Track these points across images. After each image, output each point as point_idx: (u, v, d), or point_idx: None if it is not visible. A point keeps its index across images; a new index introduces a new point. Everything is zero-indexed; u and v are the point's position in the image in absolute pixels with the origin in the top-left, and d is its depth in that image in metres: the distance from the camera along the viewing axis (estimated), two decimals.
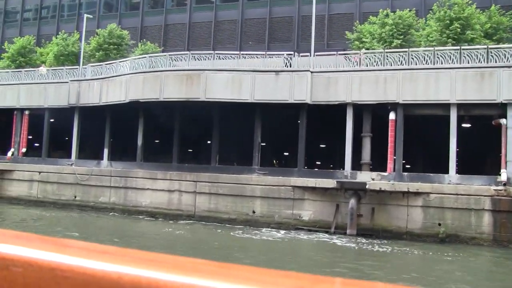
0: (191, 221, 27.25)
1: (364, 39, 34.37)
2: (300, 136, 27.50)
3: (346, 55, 28.05)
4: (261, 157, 28.55)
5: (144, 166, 30.18)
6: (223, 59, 28.44)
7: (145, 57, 29.90)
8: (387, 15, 32.63)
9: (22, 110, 34.31)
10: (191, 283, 0.51)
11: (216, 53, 28.37)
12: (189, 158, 32.25)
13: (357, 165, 26.90)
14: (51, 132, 34.36)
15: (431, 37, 30.25)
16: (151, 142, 34.18)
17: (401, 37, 32.25)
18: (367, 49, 32.12)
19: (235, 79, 27.48)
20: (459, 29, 29.31)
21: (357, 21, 36.39)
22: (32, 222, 25.84)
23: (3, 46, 42.29)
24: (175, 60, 29.11)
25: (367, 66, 26.94)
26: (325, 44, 38.95)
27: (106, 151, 31.52)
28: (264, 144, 30.29)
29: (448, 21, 29.81)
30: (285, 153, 41.62)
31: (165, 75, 28.27)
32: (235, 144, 31.68)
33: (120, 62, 31.19)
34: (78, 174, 30.29)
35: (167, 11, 44.46)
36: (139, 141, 30.61)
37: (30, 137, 36.38)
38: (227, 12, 42.07)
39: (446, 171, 24.46)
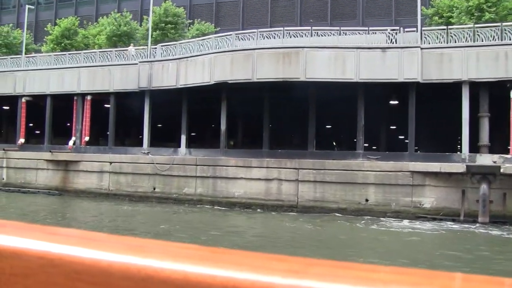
0: (294, 212, 25.14)
1: (444, 14, 32.46)
2: (409, 117, 25.58)
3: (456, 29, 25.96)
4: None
5: (229, 153, 27.99)
6: (321, 35, 26.20)
7: (230, 34, 27.45)
8: None
9: (83, 95, 31.62)
10: (181, 269, 0.52)
11: (314, 29, 26.11)
12: (277, 143, 29.94)
13: (472, 148, 25.06)
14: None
15: None
16: (232, 127, 31.74)
17: (493, 9, 30.30)
18: (452, 24, 30.23)
19: (338, 57, 25.37)
20: None
21: None
22: (113, 217, 23.56)
23: (45, 29, 39.18)
24: (267, 37, 26.73)
25: (482, 41, 24.95)
26: (393, 21, 36.87)
27: (183, 137, 29.20)
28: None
29: None
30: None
31: (258, 53, 26.01)
32: (330, 127, 29.62)
33: (198, 40, 28.71)
34: (157, 163, 27.87)
35: None
36: (222, 126, 28.34)
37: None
38: None
39: None
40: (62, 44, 37.33)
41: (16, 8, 47.30)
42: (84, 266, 0.58)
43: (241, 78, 26.41)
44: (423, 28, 26.15)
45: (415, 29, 26.43)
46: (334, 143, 39.35)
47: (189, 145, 29.41)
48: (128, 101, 30.80)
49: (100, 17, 38.86)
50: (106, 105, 33.22)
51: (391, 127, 35.99)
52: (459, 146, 35.50)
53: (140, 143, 36.26)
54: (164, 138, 36.26)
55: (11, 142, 35.72)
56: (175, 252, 0.68)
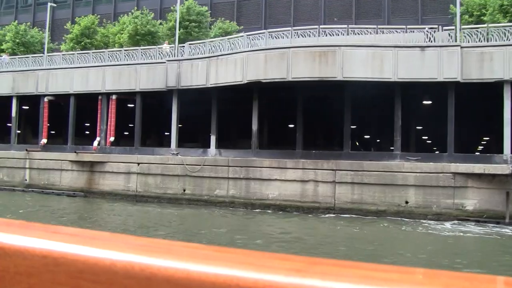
0: (331, 214, 24.63)
1: (474, 12, 32.02)
2: (449, 117, 25.11)
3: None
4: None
5: (261, 154, 27.41)
6: (358, 34, 25.67)
7: (263, 32, 26.92)
8: None
9: (108, 94, 31.02)
10: (184, 268, 0.53)
11: (351, 28, 25.63)
12: (310, 144, 29.37)
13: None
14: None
15: None
16: (264, 127, 31.12)
17: None
18: (484, 22, 29.79)
19: (376, 56, 24.88)
20: None
21: None
22: (145, 220, 23.10)
23: (65, 27, 38.54)
24: (301, 35, 26.20)
25: None
26: (418, 20, 36.39)
27: (213, 138, 28.66)
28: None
29: None
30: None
31: (293, 52, 25.49)
32: (366, 128, 29.08)
33: (229, 38, 28.17)
34: (187, 164, 27.31)
35: None
36: (254, 127, 27.81)
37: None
38: None
39: None
40: (82, 43, 36.73)
41: (33, 7, 46.66)
42: (87, 265, 0.58)
43: (276, 77, 25.88)
44: (462, 27, 25.63)
45: (453, 27, 25.93)
46: (357, 143, 38.88)
47: (218, 145, 28.78)
48: (153, 101, 30.24)
49: (119, 16, 38.23)
50: (129, 105, 32.69)
51: (417, 127, 35.53)
52: (480, 147, 34.95)
53: (160, 143, 35.83)
54: (186, 138, 35.74)
55: (29, 143, 35.17)
56: (178, 251, 0.68)
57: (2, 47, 38.32)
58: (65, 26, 38.73)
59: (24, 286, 0.62)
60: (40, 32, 40.45)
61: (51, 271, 0.62)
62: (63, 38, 38.52)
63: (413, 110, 29.92)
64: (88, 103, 32.03)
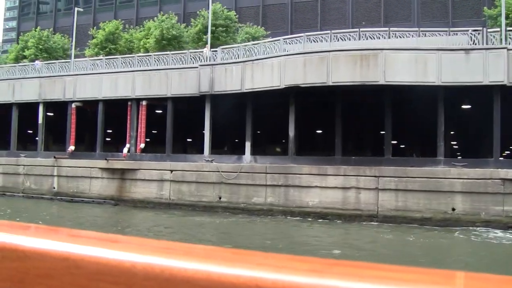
0: (374, 222, 24.01)
1: (511, 15, 31.52)
2: (494, 121, 24.52)
3: None
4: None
5: (298, 160, 26.86)
6: (400, 37, 25.12)
7: (301, 36, 26.39)
8: None
9: (138, 100, 30.48)
10: (204, 269, 0.54)
11: (392, 30, 25.08)
12: (348, 150, 28.74)
13: None
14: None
15: None
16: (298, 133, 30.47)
17: None
18: None
19: (419, 59, 24.31)
20: None
21: None
22: (185, 229, 22.55)
23: (89, 32, 38.10)
24: (341, 39, 25.67)
25: None
26: (449, 22, 35.86)
27: (248, 144, 28.14)
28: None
29: None
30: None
31: (333, 56, 24.94)
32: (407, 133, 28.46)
33: (265, 43, 27.66)
34: (222, 172, 26.71)
35: None
36: (291, 132, 27.27)
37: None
38: None
39: None
40: (107, 49, 36.29)
41: (53, 13, 46.28)
42: (107, 267, 0.59)
43: (315, 82, 25.37)
44: (508, 29, 25.08)
45: (498, 29, 25.39)
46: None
47: (253, 152, 28.22)
48: (183, 106, 29.73)
49: (142, 21, 37.82)
50: (157, 111, 32.16)
51: (451, 132, 34.89)
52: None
53: (184, 150, 35.29)
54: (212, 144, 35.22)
55: (51, 150, 34.67)
56: (198, 253, 0.68)
57: (24, 54, 37.87)
58: (89, 32, 38.26)
59: None
60: (62, 38, 39.98)
61: (71, 273, 0.62)
62: (87, 43, 38.06)
63: (449, 115, 29.34)
64: (115, 109, 31.45)
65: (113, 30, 36.66)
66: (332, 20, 37.85)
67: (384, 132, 26.57)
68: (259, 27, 36.75)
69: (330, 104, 27.22)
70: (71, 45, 35.94)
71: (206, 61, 29.12)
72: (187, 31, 35.11)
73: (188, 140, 39.80)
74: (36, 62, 34.49)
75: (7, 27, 74.94)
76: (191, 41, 34.40)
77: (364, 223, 24.09)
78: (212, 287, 0.54)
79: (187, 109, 30.03)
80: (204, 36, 33.65)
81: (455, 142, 40.33)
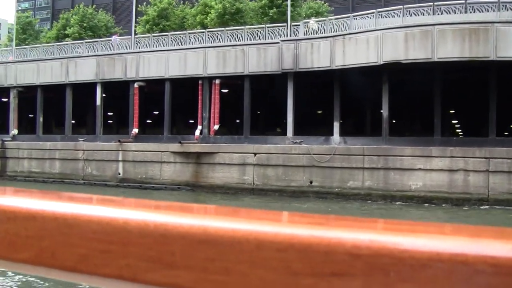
0: (485, 206, 22.90)
1: None
2: None
3: None
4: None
5: (393, 141, 25.59)
6: (510, 9, 23.78)
7: (399, 8, 24.92)
8: None
9: (210, 78, 28.82)
10: (201, 224, 0.54)
11: (503, 2, 23.67)
12: (447, 131, 27.48)
13: None
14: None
15: None
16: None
17: None
18: None
19: None
20: None
21: None
22: None
23: (139, 9, 35.99)
24: (445, 12, 24.25)
25: None
26: None
27: (336, 125, 26.78)
28: None
29: None
30: None
31: (438, 30, 23.53)
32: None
33: (355, 15, 26.14)
34: (314, 154, 25.30)
35: None
36: (385, 112, 26.04)
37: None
38: None
39: None
40: (160, 26, 34.37)
41: None
42: (100, 226, 0.58)
43: (419, 58, 24.05)
44: None
45: None
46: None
47: (341, 133, 26.85)
48: (261, 85, 28.19)
49: None
50: (222, 90, 30.49)
51: None
52: None
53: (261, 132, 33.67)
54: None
55: (114, 133, 33.00)
56: (194, 209, 0.69)
57: (66, 32, 35.82)
58: (138, 8, 36.13)
59: (36, 250, 0.62)
60: (106, 15, 37.93)
61: (63, 233, 0.60)
62: (137, 20, 36.05)
63: None
64: (182, 89, 29.77)
65: (166, 6, 34.69)
66: None
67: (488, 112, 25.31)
68: (322, 2, 35.06)
69: (428, 82, 25.86)
70: (131, 21, 33.96)
71: (312, 34, 27.21)
72: (253, 4, 33.30)
73: (266, 121, 37.71)
74: (114, 37, 32.45)
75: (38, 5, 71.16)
76: (256, 16, 32.64)
77: (473, 207, 22.98)
78: (209, 241, 0.52)
79: (264, 88, 28.49)
80: (270, 11, 31.95)
81: None
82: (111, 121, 38.89)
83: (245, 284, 0.50)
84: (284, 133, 27.97)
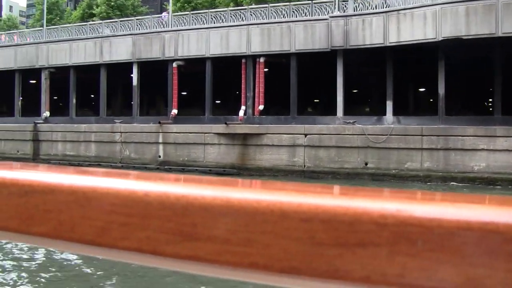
0: None
1: None
2: None
3: None
4: None
5: (450, 121, 24.80)
6: None
7: None
8: None
9: (254, 57, 27.82)
10: (224, 195, 0.53)
11: None
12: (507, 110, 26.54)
13: None
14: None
15: None
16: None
17: None
18: None
19: None
20: None
21: None
22: None
23: None
24: None
25: None
26: None
27: (390, 104, 25.87)
28: None
29: None
30: None
31: (503, 3, 22.47)
32: None
33: None
34: (369, 134, 24.46)
35: None
36: (441, 90, 25.24)
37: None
38: None
39: None
40: (192, 3, 33.15)
41: None
42: (119, 198, 0.58)
43: (482, 33, 23.11)
44: None
45: None
46: None
47: (394, 112, 25.97)
48: (310, 64, 27.15)
49: None
50: (265, 69, 29.45)
51: None
52: None
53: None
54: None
55: (152, 114, 31.98)
56: (216, 181, 0.68)
57: (93, 12, 34.56)
58: None
59: (55, 223, 0.61)
60: None
61: (81, 206, 0.59)
62: None
63: None
64: (224, 68, 28.73)
65: None
66: None
67: None
68: None
69: (488, 59, 24.91)
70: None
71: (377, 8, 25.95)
72: None
73: (315, 100, 36.55)
74: (164, 14, 31.20)
75: None
76: None
77: None
78: (232, 213, 0.51)
79: (312, 66, 27.44)
80: None
81: None
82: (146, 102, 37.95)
83: (268, 255, 0.49)
84: (333, 113, 27.05)
